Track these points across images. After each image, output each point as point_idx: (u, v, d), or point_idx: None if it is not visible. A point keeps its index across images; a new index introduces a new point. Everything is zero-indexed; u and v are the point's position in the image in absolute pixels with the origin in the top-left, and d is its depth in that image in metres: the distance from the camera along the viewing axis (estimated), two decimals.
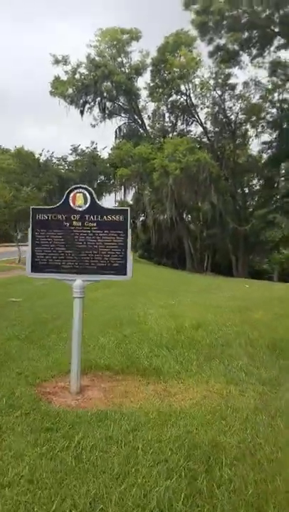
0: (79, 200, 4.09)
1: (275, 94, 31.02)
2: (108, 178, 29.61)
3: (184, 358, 4.98)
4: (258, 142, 32.38)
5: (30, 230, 4.16)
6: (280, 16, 26.89)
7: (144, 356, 5.03)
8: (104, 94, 29.44)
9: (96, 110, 30.48)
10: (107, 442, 2.99)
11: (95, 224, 4.07)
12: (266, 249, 32.61)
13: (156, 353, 5.18)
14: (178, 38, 26.75)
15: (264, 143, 30.33)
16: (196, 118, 30.07)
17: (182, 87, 28.44)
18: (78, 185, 4.16)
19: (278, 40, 29.33)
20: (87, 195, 4.08)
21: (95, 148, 30.04)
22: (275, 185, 30.16)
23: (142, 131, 31.23)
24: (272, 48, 29.81)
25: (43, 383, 4.18)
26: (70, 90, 28.51)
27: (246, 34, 29.06)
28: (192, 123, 30.80)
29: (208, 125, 30.60)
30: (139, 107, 30.70)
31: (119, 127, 31.34)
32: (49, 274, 4.16)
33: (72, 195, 4.10)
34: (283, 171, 30.81)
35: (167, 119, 31.27)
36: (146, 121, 31.73)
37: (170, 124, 31.47)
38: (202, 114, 30.79)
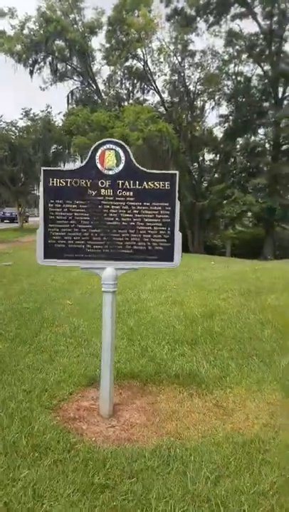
0: (109, 159, 3.01)
1: (231, 66, 30.36)
2: (64, 146, 27.45)
3: (214, 356, 4.18)
4: (216, 114, 31.79)
5: (41, 200, 3.02)
6: None
7: (168, 357, 4.16)
8: (56, 53, 26.90)
9: (47, 71, 27.90)
10: (198, 505, 2.11)
11: (131, 193, 3.03)
12: (218, 225, 32.71)
13: (180, 351, 4.32)
14: None
15: (221, 116, 29.77)
16: (154, 86, 28.64)
17: (139, 51, 26.78)
18: (108, 140, 3.05)
19: (235, 9, 28.44)
20: (121, 153, 3.01)
21: (49, 112, 27.59)
22: (232, 159, 29.90)
23: (96, 97, 29.22)
24: (228, 16, 28.89)
25: (62, 405, 3.17)
26: (19, 47, 25.62)
27: None
28: (149, 91, 29.35)
29: (166, 94, 29.37)
30: (94, 70, 28.59)
31: (72, 91, 28.99)
32: (69, 261, 3.08)
33: (99, 153, 3.00)
34: (239, 146, 30.59)
35: (123, 86, 29.52)
36: (101, 87, 29.74)
37: (126, 91, 29.77)
38: (160, 82, 29.41)
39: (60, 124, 27.97)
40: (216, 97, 29.41)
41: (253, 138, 28.60)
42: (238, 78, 29.75)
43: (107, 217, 3.03)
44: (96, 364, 3.88)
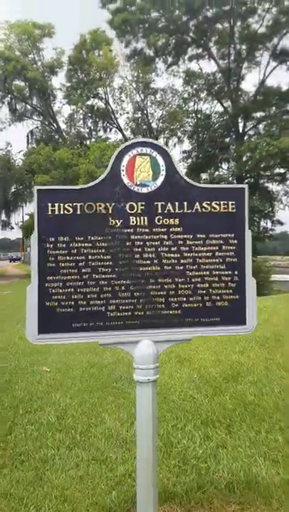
0: (142, 170, 1.92)
1: (191, 104, 30.98)
2: (26, 186, 26.15)
3: (266, 445, 3.00)
4: (179, 151, 32.07)
5: (33, 238, 1.86)
6: (196, 23, 26.76)
7: (205, 452, 2.93)
8: (15, 93, 26.22)
9: (5, 110, 27.08)
10: None
11: (177, 221, 1.94)
12: None
13: (216, 439, 3.10)
14: (96, 36, 25.00)
15: (184, 152, 29.95)
16: (116, 124, 28.50)
17: (101, 90, 26.68)
18: (139, 141, 1.97)
19: (192, 50, 29.37)
20: (160, 159, 1.94)
21: (8, 151, 26.41)
22: None
23: (57, 136, 28.57)
24: (186, 57, 29.74)
25: None
26: None
27: (163, 40, 28.50)
28: (111, 129, 29.14)
29: (129, 132, 29.24)
30: (54, 109, 28.10)
31: (32, 131, 28.22)
32: (80, 335, 1.88)
33: (126, 161, 1.92)
34: (202, 181, 30.73)
35: (85, 124, 29.15)
36: (62, 126, 29.20)
37: (88, 130, 29.38)
38: (122, 121, 29.38)
39: (21, 164, 26.88)
40: (179, 134, 29.69)
41: (216, 172, 28.81)
42: (198, 115, 30.34)
43: (140, 261, 1.91)
44: (108, 477, 2.62)
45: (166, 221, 1.92)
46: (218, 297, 1.94)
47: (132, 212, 1.91)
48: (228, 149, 28.35)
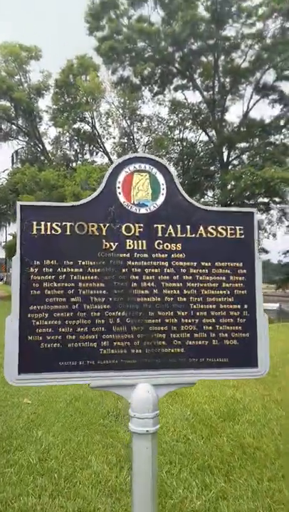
0: (141, 189, 1.71)
1: (176, 132, 31.56)
2: (9, 205, 25.77)
3: (271, 498, 2.69)
4: None
5: (15, 261, 1.60)
6: (181, 55, 27.56)
7: (205, 505, 2.62)
8: (0, 113, 26.20)
9: None
10: None
11: (179, 246, 1.71)
12: None
13: (216, 488, 2.79)
14: (83, 61, 25.39)
15: None
16: (102, 148, 28.66)
17: (87, 114, 26.91)
18: (136, 156, 1.76)
19: (177, 80, 30.13)
20: (160, 177, 1.73)
21: None
22: None
23: (43, 157, 28.51)
24: (172, 87, 30.47)
25: None
26: None
27: (149, 69, 29.20)
28: (98, 153, 29.28)
29: (115, 157, 29.42)
30: (40, 130, 28.13)
31: (17, 151, 28.11)
32: (68, 375, 1.61)
33: (122, 177, 1.70)
34: None
35: (71, 147, 29.22)
36: (48, 147, 29.18)
37: (74, 153, 29.43)
38: (108, 145, 29.64)
39: (5, 183, 26.60)
40: (164, 161, 30.03)
41: (202, 199, 29.10)
42: (184, 143, 30.87)
43: (137, 290, 1.67)
44: None
45: (167, 246, 1.70)
46: (226, 334, 1.70)
47: (129, 234, 1.68)
48: (213, 177, 28.78)
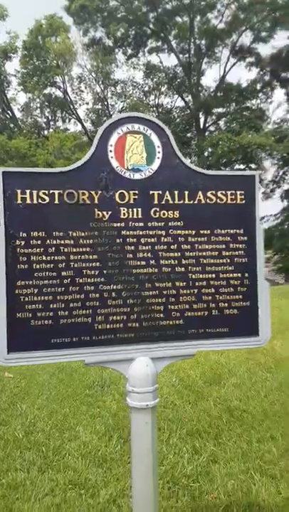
0: (135, 152, 1.58)
1: (152, 97, 30.71)
2: None
3: (262, 459, 2.76)
4: None
5: (0, 232, 1.47)
6: (156, 15, 26.38)
7: (196, 469, 2.66)
8: None
9: None
10: None
11: (177, 213, 1.61)
12: None
13: (206, 453, 2.84)
14: (53, 22, 23.95)
15: None
16: (75, 115, 27.61)
17: (58, 79, 25.71)
18: (130, 115, 1.61)
19: (152, 42, 28.99)
20: (155, 139, 1.61)
21: None
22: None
23: (12, 125, 27.24)
24: (146, 49, 29.32)
25: None
26: None
27: (122, 30, 27.89)
28: (70, 120, 28.20)
29: (89, 123, 28.47)
30: (8, 96, 26.72)
31: None
32: (61, 352, 1.52)
33: (114, 139, 1.57)
34: None
35: (42, 114, 27.99)
36: (18, 114, 27.86)
37: (45, 120, 28.25)
38: (81, 111, 28.60)
39: None
40: None
41: None
42: (160, 109, 30.13)
43: (133, 261, 1.57)
44: (90, 505, 2.29)
45: (163, 214, 1.60)
46: (226, 304, 1.65)
47: (123, 202, 1.56)
48: (189, 144, 28.36)
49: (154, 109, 30.11)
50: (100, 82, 26.53)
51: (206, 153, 25.71)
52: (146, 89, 29.92)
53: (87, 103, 27.70)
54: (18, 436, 3.10)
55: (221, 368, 4.32)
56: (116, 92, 27.14)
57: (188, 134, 28.40)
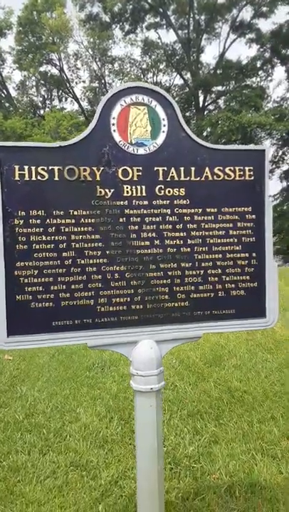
0: (139, 125, 1.50)
1: (150, 75, 30.04)
2: None
3: (263, 439, 2.77)
4: None
5: None
6: None
7: (197, 450, 2.67)
8: None
9: None
10: None
11: (182, 191, 1.54)
12: None
13: (207, 434, 2.85)
14: None
15: None
16: (72, 93, 27.03)
17: (54, 56, 25.06)
18: (133, 85, 1.51)
19: (149, 18, 28.15)
20: (161, 112, 1.52)
21: None
22: None
23: (8, 104, 26.69)
24: (144, 25, 28.51)
25: None
26: None
27: (119, 5, 27.03)
28: (67, 99, 27.64)
29: (86, 102, 27.92)
30: (4, 74, 26.09)
31: None
32: (63, 335, 1.47)
33: (117, 111, 1.48)
34: None
35: (38, 93, 27.40)
36: (13, 93, 27.26)
37: (41, 99, 27.68)
38: (78, 90, 28.00)
39: None
40: None
41: None
42: (158, 87, 29.48)
43: (137, 241, 1.50)
44: (92, 487, 2.29)
45: (169, 191, 1.52)
46: (232, 285, 1.59)
47: (126, 179, 1.49)
48: (188, 123, 27.92)
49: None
50: (97, 60, 25.91)
51: (204, 133, 25.35)
52: (145, 66, 29.27)
53: (84, 81, 27.24)
54: (18, 419, 3.09)
55: (221, 350, 4.31)
56: (113, 70, 26.54)
57: (187, 113, 27.93)
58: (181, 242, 1.54)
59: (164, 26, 27.38)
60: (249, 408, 3.15)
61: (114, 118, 1.46)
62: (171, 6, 26.52)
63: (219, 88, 26.50)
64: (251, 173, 1.58)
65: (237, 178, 1.58)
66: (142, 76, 29.42)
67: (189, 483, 2.31)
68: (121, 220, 1.48)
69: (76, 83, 27.14)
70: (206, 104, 26.75)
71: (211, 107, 27.14)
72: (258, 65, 26.11)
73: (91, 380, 3.77)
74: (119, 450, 2.63)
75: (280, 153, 26.07)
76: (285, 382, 3.56)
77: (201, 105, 26.52)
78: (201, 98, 26.53)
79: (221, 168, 1.56)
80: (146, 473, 1.50)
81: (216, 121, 20.99)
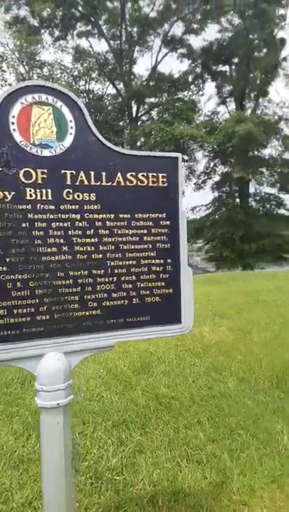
0: (44, 126, 1.41)
1: (82, 83, 29.84)
2: None
3: (188, 445, 2.79)
4: None
5: None
6: None
7: (120, 461, 2.61)
8: None
9: None
10: None
11: (93, 196, 1.48)
12: None
13: (132, 443, 2.80)
14: None
15: None
16: None
17: None
18: (35, 83, 1.43)
19: (81, 26, 28.03)
20: (67, 112, 1.45)
21: None
22: None
23: None
24: (75, 32, 28.31)
25: None
26: None
27: (48, 11, 26.54)
28: None
29: None
30: None
31: None
32: None
33: (17, 110, 1.38)
34: None
35: None
36: None
37: None
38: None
39: None
40: None
41: None
42: (90, 95, 29.44)
43: (42, 248, 1.41)
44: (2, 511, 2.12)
45: (78, 196, 1.45)
46: (147, 292, 1.56)
47: (29, 182, 1.39)
48: (122, 133, 28.15)
49: (85, 94, 29.36)
50: (25, 63, 25.19)
51: (138, 143, 25.71)
52: (76, 73, 28.99)
53: (10, 84, 26.18)
54: None
55: (150, 356, 4.30)
56: (42, 75, 25.90)
57: (121, 123, 28.17)
58: (93, 248, 1.48)
59: (96, 35, 27.46)
60: (176, 414, 3.15)
61: (13, 117, 1.37)
62: (102, 16, 26.70)
63: (152, 100, 27.09)
64: (165, 179, 1.57)
65: (150, 184, 1.55)
66: (73, 83, 29.13)
67: (110, 497, 2.23)
68: (24, 224, 1.38)
69: (1, 86, 26.04)
70: (140, 114, 27.19)
71: (144, 118, 27.63)
72: (190, 80, 27.13)
73: (9, 396, 3.54)
74: (36, 469, 2.47)
75: (212, 164, 27.23)
76: (212, 385, 3.63)
77: (134, 115, 26.90)
78: (135, 108, 26.92)
79: (134, 173, 1.53)
80: (53, 498, 1.39)
81: (150, 132, 21.40)
